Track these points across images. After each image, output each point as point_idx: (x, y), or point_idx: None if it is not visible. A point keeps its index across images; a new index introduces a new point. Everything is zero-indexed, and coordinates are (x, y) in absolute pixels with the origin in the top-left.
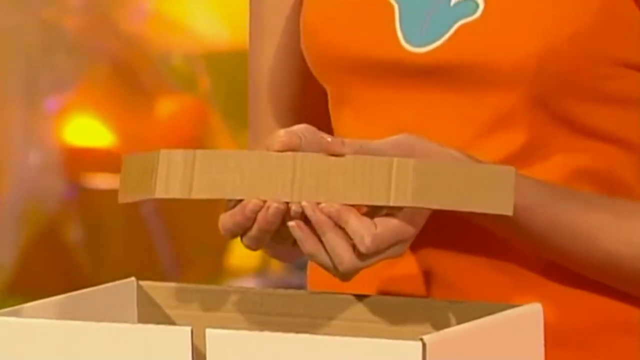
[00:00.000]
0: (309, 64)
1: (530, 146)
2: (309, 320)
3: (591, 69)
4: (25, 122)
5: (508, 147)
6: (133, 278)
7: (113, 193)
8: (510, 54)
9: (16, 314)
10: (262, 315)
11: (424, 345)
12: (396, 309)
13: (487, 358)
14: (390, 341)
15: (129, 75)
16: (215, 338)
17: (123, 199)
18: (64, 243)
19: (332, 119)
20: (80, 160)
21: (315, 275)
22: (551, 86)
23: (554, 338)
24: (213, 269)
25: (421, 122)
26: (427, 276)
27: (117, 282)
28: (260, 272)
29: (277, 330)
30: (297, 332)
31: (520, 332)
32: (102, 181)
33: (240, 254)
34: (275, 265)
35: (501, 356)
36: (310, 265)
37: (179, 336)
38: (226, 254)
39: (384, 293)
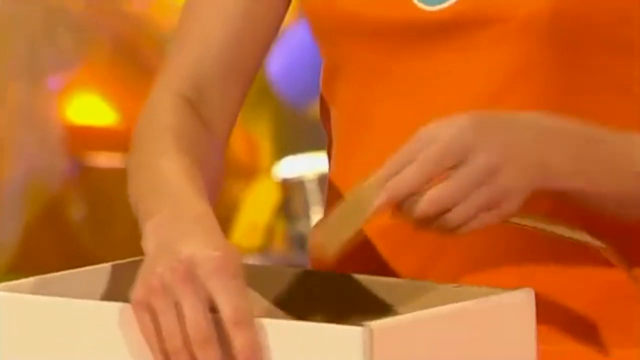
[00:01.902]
0: (315, 31)
1: (546, 99)
2: (305, 298)
3: (606, 16)
4: (28, 100)
5: (525, 101)
6: (140, 258)
7: (116, 171)
8: (524, 6)
9: (16, 289)
10: (261, 290)
11: (370, 331)
12: (392, 289)
13: (457, 344)
14: (336, 326)
15: (132, 54)
16: None
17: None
18: (66, 221)
19: (332, 89)
20: (83, 138)
21: (315, 259)
22: (566, 37)
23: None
24: None
25: (437, 83)
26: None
27: (121, 261)
28: (263, 250)
29: (276, 306)
30: (294, 309)
31: (504, 318)
32: (105, 159)
33: (243, 233)
34: (278, 243)
35: (485, 343)
36: (311, 245)
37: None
38: (228, 233)
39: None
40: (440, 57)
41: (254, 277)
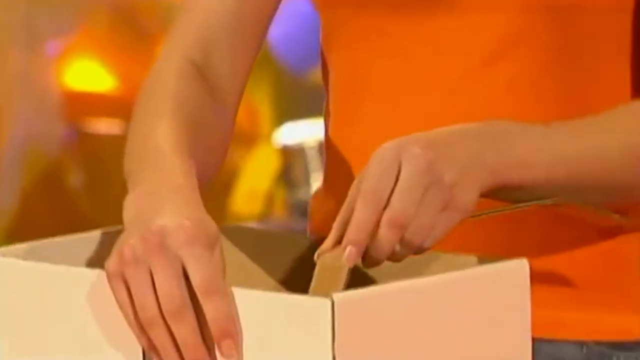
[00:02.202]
0: None
1: (541, 63)
2: (303, 264)
3: None
4: (25, 66)
5: (519, 65)
6: None
7: (114, 138)
8: None
9: (9, 254)
10: (260, 254)
11: (332, 303)
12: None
13: (444, 315)
14: (301, 297)
15: (131, 19)
16: None
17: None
18: (64, 188)
19: (330, 53)
20: (82, 104)
21: (316, 222)
22: (560, 1)
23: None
24: (215, 214)
25: (433, 45)
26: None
27: (114, 228)
28: (263, 218)
29: (274, 272)
30: (292, 275)
31: (497, 288)
32: (103, 125)
33: (243, 200)
34: (279, 211)
35: (475, 314)
36: (311, 211)
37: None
38: (229, 200)
39: None
40: (436, 19)
41: (252, 242)
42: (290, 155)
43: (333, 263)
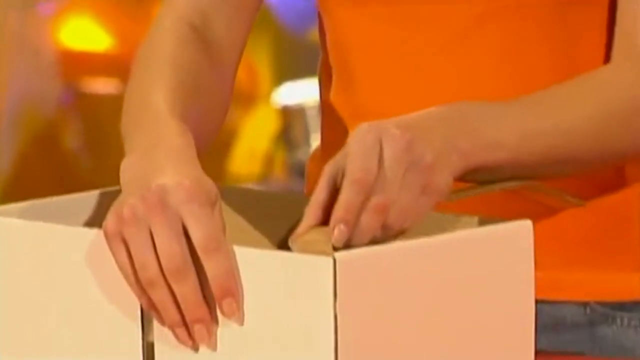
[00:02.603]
0: None
1: (523, 34)
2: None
3: None
4: (21, 25)
5: (503, 33)
6: None
7: (111, 98)
8: None
9: (5, 213)
10: (258, 216)
11: (334, 262)
12: None
13: (447, 275)
14: (303, 255)
15: None
16: None
17: None
18: (61, 149)
19: (327, 13)
20: (78, 64)
21: (312, 184)
22: None
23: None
24: (214, 175)
25: (418, 14)
26: None
27: (112, 188)
28: (262, 178)
29: (275, 231)
30: (289, 235)
31: (500, 249)
32: (100, 85)
33: (242, 161)
34: (278, 172)
35: (478, 274)
36: (308, 173)
37: None
38: (227, 161)
39: None
40: (397, 10)
41: (250, 203)
42: (290, 116)
43: (313, 248)
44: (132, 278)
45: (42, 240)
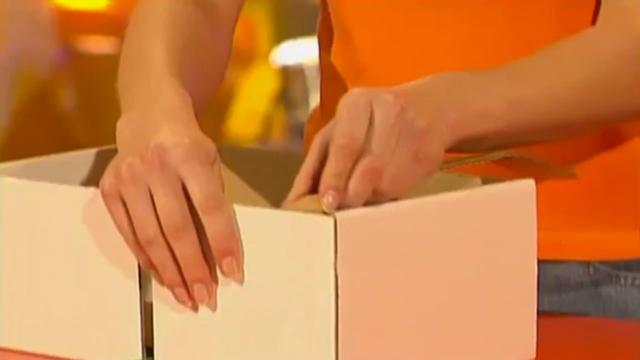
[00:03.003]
0: None
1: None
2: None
3: None
4: None
5: (489, 5)
6: None
7: (107, 57)
8: None
9: (6, 172)
10: (257, 175)
11: (335, 221)
12: None
13: (449, 234)
14: (303, 215)
15: None
16: None
17: None
18: (56, 108)
19: None
20: (74, 23)
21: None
22: None
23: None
24: (212, 135)
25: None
26: None
27: (109, 147)
28: (261, 139)
29: (274, 190)
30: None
31: (503, 209)
32: (95, 45)
33: (241, 121)
34: (277, 132)
35: (481, 233)
36: (306, 134)
37: None
38: (226, 121)
39: None
40: None
41: (249, 162)
42: (289, 76)
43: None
44: (130, 237)
45: (39, 199)
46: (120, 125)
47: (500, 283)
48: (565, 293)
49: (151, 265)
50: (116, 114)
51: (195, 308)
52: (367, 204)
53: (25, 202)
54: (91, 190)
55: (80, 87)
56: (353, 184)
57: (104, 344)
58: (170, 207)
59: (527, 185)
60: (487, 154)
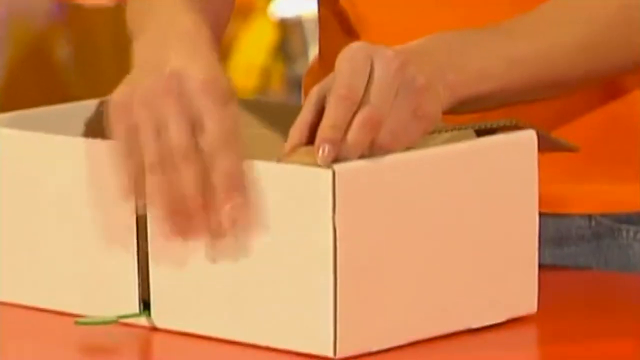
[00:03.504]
0: None
1: None
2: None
3: None
4: None
5: None
6: None
7: (102, 10)
8: None
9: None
10: (255, 125)
11: (333, 174)
12: None
13: (448, 186)
14: (301, 167)
15: None
16: None
17: None
18: (51, 62)
19: None
20: None
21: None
22: None
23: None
24: None
25: None
26: None
27: (103, 98)
28: (259, 92)
29: (272, 141)
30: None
31: (504, 160)
32: None
33: (239, 74)
34: (275, 85)
35: (481, 184)
36: (304, 87)
37: None
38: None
39: None
40: None
41: (247, 113)
42: (288, 28)
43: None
44: (125, 152)
45: (37, 150)
46: (137, 46)
47: (501, 236)
48: (566, 246)
49: (146, 192)
50: (112, 65)
51: (187, 239)
52: (362, 158)
53: (23, 153)
54: (90, 141)
55: (75, 39)
56: (351, 134)
57: (100, 298)
58: (179, 134)
59: (528, 136)
60: (487, 123)
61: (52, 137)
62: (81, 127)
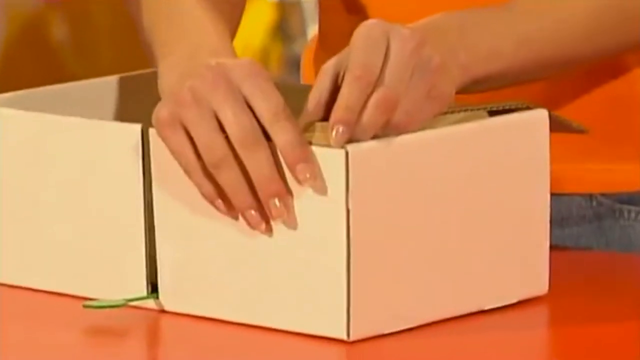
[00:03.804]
0: None
1: None
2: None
3: None
4: None
5: None
6: (119, 75)
7: None
8: None
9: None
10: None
11: (346, 154)
12: None
13: (461, 165)
14: (314, 148)
15: None
16: (156, 136)
17: None
18: (48, 44)
19: None
20: None
21: (307, 75)
22: None
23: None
24: None
25: None
26: None
27: (102, 78)
28: None
29: None
30: None
31: (516, 139)
32: None
33: (238, 54)
34: (274, 65)
35: (493, 164)
36: (303, 64)
37: (129, 133)
38: None
39: None
40: None
41: None
42: (286, 7)
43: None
44: (192, 164)
45: (39, 131)
46: (163, 69)
47: (513, 217)
48: (567, 227)
49: (216, 194)
50: (109, 46)
51: (269, 230)
52: (376, 138)
53: (26, 133)
54: (95, 122)
55: (71, 19)
56: (366, 115)
57: (108, 280)
58: (240, 121)
59: (540, 115)
60: (497, 103)
61: (57, 117)
62: (81, 107)
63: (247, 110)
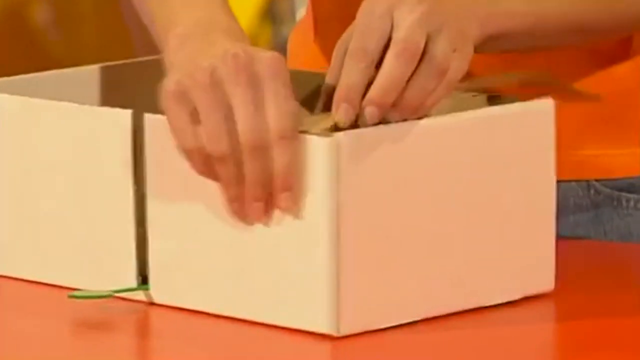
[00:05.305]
0: None
1: None
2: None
3: None
4: None
5: None
6: (107, 64)
7: None
8: None
9: None
10: None
11: (337, 142)
12: None
13: (451, 158)
14: (304, 135)
15: None
16: (153, 121)
17: None
18: (31, 25)
19: None
20: None
21: (294, 55)
22: None
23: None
24: None
25: None
26: None
27: (86, 67)
28: None
29: None
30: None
31: (521, 128)
32: None
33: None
34: (263, 48)
35: (497, 152)
36: (290, 45)
37: (119, 118)
38: None
39: None
40: None
41: None
42: None
43: (316, 127)
44: (189, 144)
45: (33, 116)
46: (171, 40)
47: (517, 209)
48: (565, 216)
49: (208, 173)
50: (92, 29)
51: (250, 223)
52: (383, 121)
53: (18, 119)
54: (87, 108)
55: (56, 3)
56: (369, 99)
57: (98, 271)
58: (254, 124)
59: (545, 105)
60: (510, 74)
61: (46, 102)
62: (69, 94)
63: (262, 111)
